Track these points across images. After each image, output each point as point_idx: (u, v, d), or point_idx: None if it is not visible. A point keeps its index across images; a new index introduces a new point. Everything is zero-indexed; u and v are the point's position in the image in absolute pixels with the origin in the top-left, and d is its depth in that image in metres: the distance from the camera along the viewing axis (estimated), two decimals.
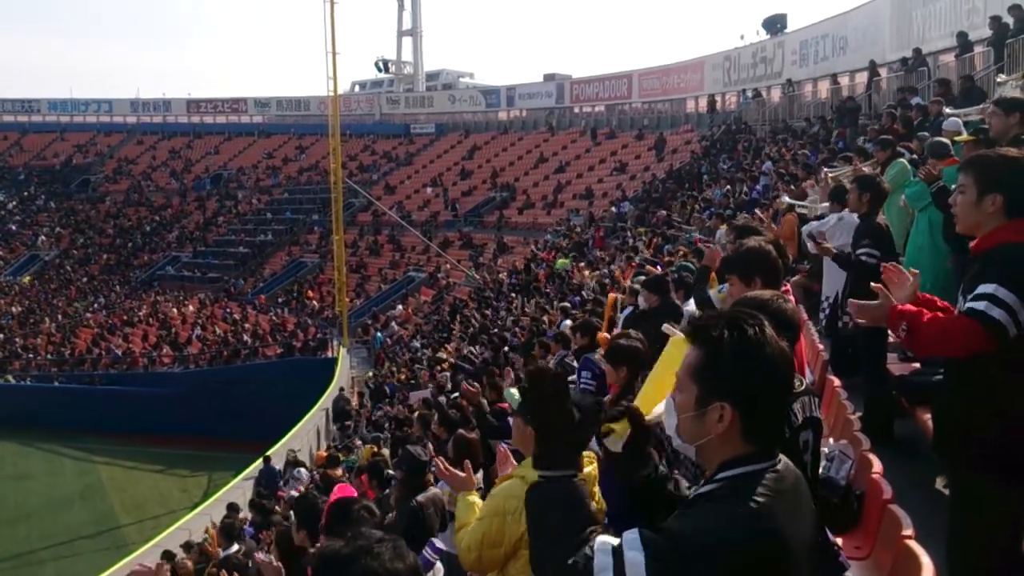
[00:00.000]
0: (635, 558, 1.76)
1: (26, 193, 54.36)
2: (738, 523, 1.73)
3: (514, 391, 3.62)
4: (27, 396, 32.53)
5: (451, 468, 3.74)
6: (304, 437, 21.59)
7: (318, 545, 4.23)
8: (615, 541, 1.84)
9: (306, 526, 4.52)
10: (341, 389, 25.18)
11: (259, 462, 19.11)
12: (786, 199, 10.36)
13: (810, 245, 7.17)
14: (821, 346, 7.13)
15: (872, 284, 3.20)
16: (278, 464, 18.69)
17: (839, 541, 3.37)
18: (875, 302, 3.12)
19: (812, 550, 1.90)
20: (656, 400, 2.58)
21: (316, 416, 23.19)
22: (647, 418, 2.49)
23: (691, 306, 7.85)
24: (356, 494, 3.72)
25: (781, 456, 1.90)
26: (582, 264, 22.93)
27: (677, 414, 1.95)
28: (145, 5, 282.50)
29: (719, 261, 5.51)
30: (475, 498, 3.57)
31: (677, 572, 1.73)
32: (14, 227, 51.75)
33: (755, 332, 1.85)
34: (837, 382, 5.84)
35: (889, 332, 6.03)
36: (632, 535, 1.80)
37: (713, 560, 1.70)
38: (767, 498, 1.77)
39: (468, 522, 3.36)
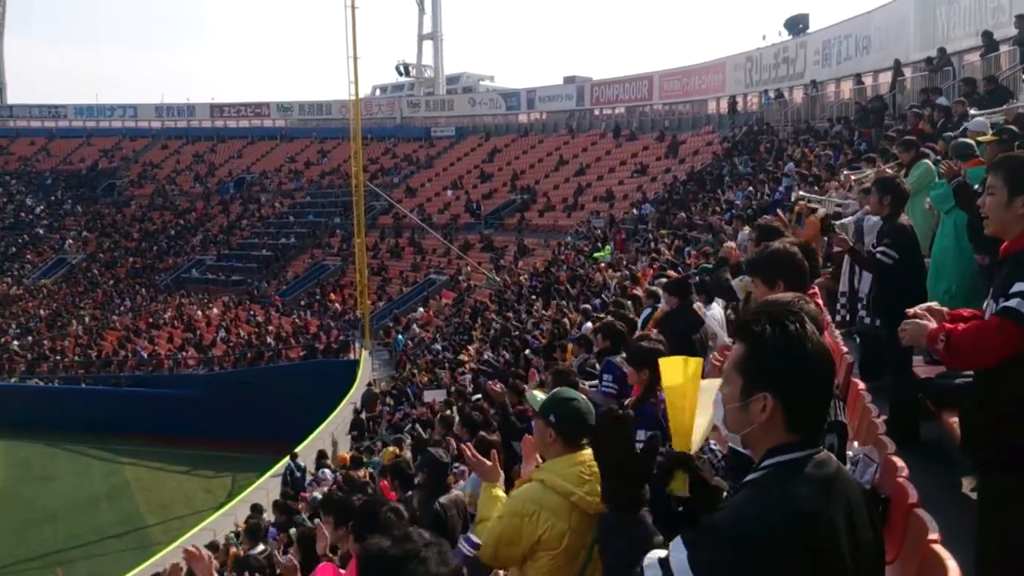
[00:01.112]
0: (678, 558, 1.86)
1: (53, 198, 55.06)
2: (777, 507, 1.80)
3: (537, 393, 3.64)
4: (54, 398, 32.93)
5: (478, 456, 3.77)
6: (329, 436, 21.71)
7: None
8: (663, 553, 1.94)
9: (344, 524, 4.57)
10: (369, 384, 25.30)
11: (286, 460, 19.27)
12: (795, 195, 10.30)
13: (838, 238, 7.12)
14: (845, 348, 7.07)
15: (908, 311, 3.24)
16: (306, 463, 18.84)
17: None
18: (917, 322, 3.16)
19: (866, 541, 1.93)
20: (686, 428, 2.60)
21: (341, 415, 23.27)
22: (692, 449, 2.56)
23: (713, 310, 7.84)
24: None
25: (823, 448, 1.99)
26: (633, 251, 22.78)
27: (724, 405, 2.06)
28: (169, 12, 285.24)
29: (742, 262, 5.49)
30: (499, 491, 3.59)
31: (719, 559, 1.79)
32: (41, 231, 52.43)
33: (795, 327, 1.96)
34: (861, 385, 5.79)
35: None
36: (676, 540, 1.90)
37: (753, 544, 1.75)
38: (806, 484, 1.86)
39: (489, 516, 3.38)
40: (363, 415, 22.18)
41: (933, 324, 3.10)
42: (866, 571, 1.90)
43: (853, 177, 10.31)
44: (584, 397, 3.49)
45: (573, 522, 2.98)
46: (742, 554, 1.75)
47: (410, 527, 1.90)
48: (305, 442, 21.02)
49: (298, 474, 18.42)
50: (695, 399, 2.63)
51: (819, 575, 1.78)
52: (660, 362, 2.70)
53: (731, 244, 6.76)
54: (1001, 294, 3.07)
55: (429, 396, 19.16)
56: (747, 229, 10.65)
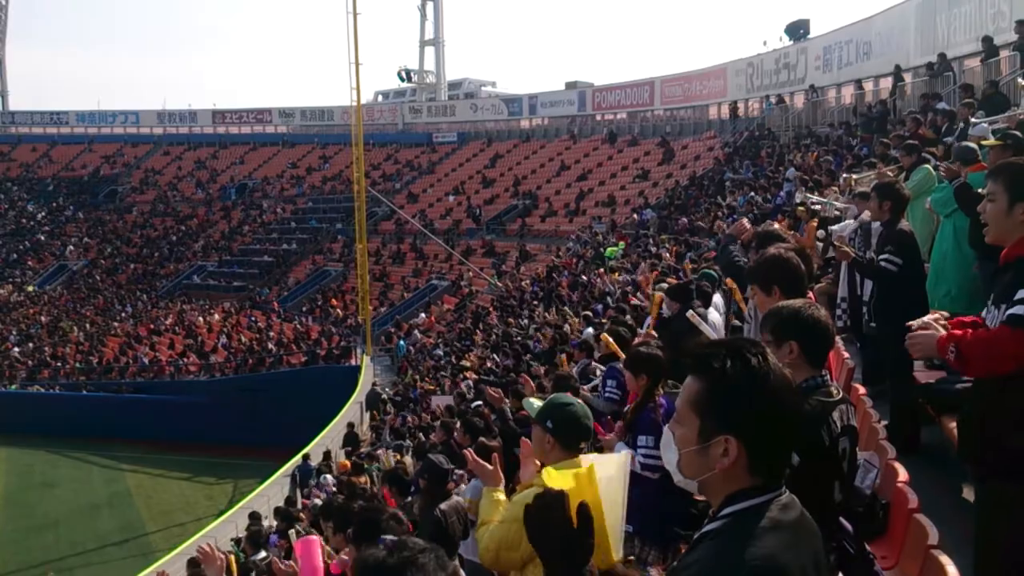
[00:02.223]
0: None
1: (55, 204, 55.12)
2: (739, 560, 1.65)
3: (533, 400, 3.65)
4: (55, 404, 32.93)
5: (480, 460, 3.78)
6: (336, 437, 21.79)
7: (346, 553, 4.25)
8: None
9: (343, 530, 4.57)
10: (374, 384, 25.35)
11: (298, 459, 19.33)
12: (800, 196, 10.28)
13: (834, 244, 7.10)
14: (847, 354, 7.08)
15: (911, 324, 3.18)
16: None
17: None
18: (925, 333, 3.09)
19: None
20: (600, 537, 2.42)
21: (346, 418, 23.27)
22: (616, 557, 2.46)
23: (713, 314, 7.83)
24: (319, 542, 3.61)
25: (786, 489, 1.81)
26: (635, 256, 22.77)
27: (678, 449, 1.85)
28: (171, 18, 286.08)
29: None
30: (501, 495, 3.59)
31: None
32: (43, 237, 52.48)
33: (759, 361, 1.77)
34: (862, 390, 5.80)
35: None
36: None
37: None
38: (773, 532, 1.70)
39: (491, 520, 3.38)
40: (356, 429, 22.09)
41: (941, 332, 3.06)
42: None
43: (855, 178, 10.32)
44: (581, 402, 3.50)
45: None
46: None
47: (406, 535, 1.87)
48: (313, 442, 21.09)
49: (314, 467, 18.55)
50: (598, 502, 2.43)
51: None
52: (544, 473, 2.58)
53: (744, 220, 6.66)
54: (1004, 300, 3.05)
55: (436, 402, 19.21)
56: None
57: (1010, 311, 2.98)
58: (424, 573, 1.70)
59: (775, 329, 2.87)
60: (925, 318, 3.22)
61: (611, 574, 2.35)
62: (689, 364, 1.86)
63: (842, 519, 2.54)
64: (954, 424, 4.25)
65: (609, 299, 17.94)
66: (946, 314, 3.30)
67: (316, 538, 3.60)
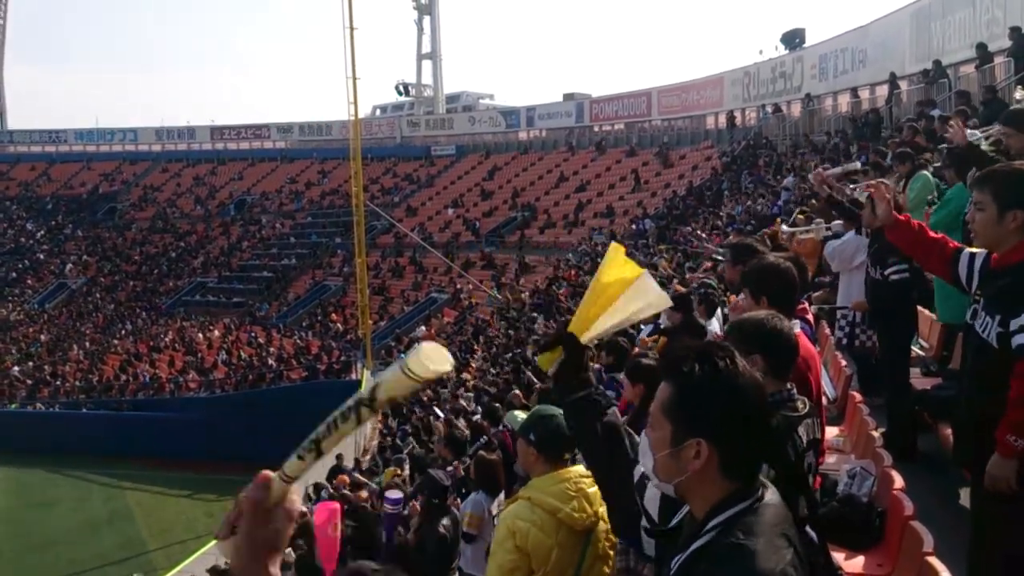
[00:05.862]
0: None
1: (54, 222, 55.11)
2: (755, 565, 1.64)
3: (518, 413, 3.65)
4: (55, 423, 32.84)
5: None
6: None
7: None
8: None
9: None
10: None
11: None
12: (784, 228, 10.21)
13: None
14: (844, 362, 7.06)
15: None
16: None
17: (842, 565, 3.32)
18: (1000, 464, 3.01)
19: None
20: (588, 319, 2.55)
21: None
22: (584, 339, 2.55)
23: (714, 325, 7.83)
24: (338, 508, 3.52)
25: (761, 486, 1.81)
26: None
27: (653, 453, 1.86)
28: (168, 37, 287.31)
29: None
30: None
31: None
32: (42, 256, 52.46)
33: (726, 364, 1.78)
34: (859, 398, 5.79)
35: (912, 347, 6.00)
36: None
37: None
38: (765, 537, 1.69)
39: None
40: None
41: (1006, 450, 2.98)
42: None
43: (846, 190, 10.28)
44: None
45: (560, 538, 2.98)
46: None
47: (360, 562, 1.81)
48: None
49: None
50: (613, 299, 2.53)
51: None
52: (611, 247, 2.64)
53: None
54: (1001, 309, 3.02)
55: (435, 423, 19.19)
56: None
57: (1018, 341, 2.94)
58: None
59: (738, 341, 2.81)
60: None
61: (573, 338, 2.54)
62: (661, 369, 1.91)
63: (808, 529, 2.51)
64: (950, 431, 4.25)
65: None
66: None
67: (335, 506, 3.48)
